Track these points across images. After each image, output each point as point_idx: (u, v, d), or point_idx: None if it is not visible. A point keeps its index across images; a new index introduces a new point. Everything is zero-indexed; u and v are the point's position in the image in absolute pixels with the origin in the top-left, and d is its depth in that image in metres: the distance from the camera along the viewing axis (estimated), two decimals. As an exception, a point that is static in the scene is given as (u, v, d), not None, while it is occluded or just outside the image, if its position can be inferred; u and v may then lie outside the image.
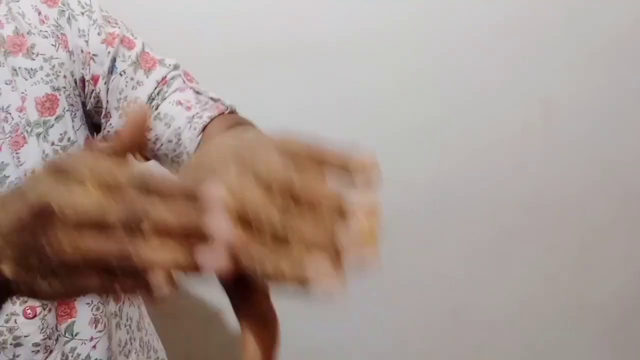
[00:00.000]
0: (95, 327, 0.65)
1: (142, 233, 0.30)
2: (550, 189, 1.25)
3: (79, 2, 0.65)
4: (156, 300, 0.30)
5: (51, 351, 0.62)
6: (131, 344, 0.73)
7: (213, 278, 0.31)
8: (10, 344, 0.60)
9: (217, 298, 1.24)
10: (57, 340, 0.63)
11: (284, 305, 1.20)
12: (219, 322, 1.25)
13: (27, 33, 0.61)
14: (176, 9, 1.09)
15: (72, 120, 0.64)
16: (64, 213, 0.30)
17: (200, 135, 0.61)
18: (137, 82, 0.65)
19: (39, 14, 0.63)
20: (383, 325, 1.29)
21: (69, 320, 0.64)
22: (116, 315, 0.70)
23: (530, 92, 1.20)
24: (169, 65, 0.67)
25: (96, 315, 0.65)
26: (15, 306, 0.60)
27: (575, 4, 1.17)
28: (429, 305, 1.29)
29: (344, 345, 1.29)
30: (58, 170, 0.32)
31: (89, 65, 0.64)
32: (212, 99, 0.66)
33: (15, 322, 0.60)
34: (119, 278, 0.30)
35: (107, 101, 0.65)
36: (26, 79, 0.60)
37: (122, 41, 0.65)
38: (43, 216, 0.30)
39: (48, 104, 0.61)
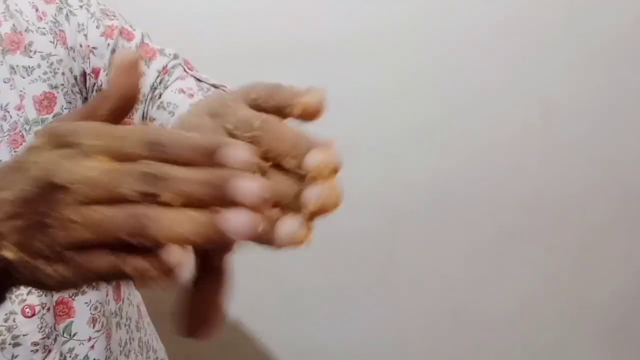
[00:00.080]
0: (94, 326, 0.65)
1: (158, 203, 0.27)
2: (550, 189, 1.25)
3: None
4: (167, 280, 0.28)
5: (50, 351, 0.62)
6: (130, 344, 0.73)
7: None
8: (9, 344, 0.60)
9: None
10: (55, 339, 0.63)
11: (284, 305, 1.20)
12: (219, 322, 1.25)
13: (25, 30, 0.61)
14: (176, 9, 1.09)
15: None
16: (72, 188, 0.27)
17: None
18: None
19: (37, 10, 0.63)
20: (383, 325, 1.29)
21: (67, 320, 0.63)
22: (116, 314, 0.70)
23: (530, 92, 1.20)
24: (169, 54, 0.68)
25: (94, 314, 0.65)
26: (14, 305, 0.60)
27: (575, 4, 1.17)
28: (429, 305, 1.29)
29: (344, 345, 1.29)
30: (58, 140, 0.29)
31: (89, 58, 0.64)
32: (214, 85, 0.66)
33: (14, 321, 0.60)
34: (131, 258, 0.28)
35: None
36: (24, 77, 0.60)
37: (121, 33, 0.66)
38: (49, 193, 0.28)
39: (46, 102, 0.61)
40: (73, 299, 0.64)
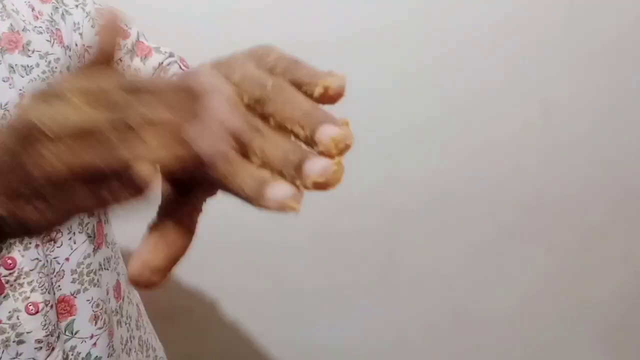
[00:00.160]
0: (96, 324, 0.65)
1: (132, 132, 0.28)
2: (550, 189, 1.25)
3: None
4: (142, 196, 0.29)
5: (53, 348, 0.62)
6: (131, 342, 0.73)
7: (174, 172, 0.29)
8: (14, 342, 0.60)
9: (217, 298, 1.24)
10: (58, 337, 0.63)
11: (284, 305, 1.20)
12: (219, 322, 1.25)
13: (22, 30, 0.61)
14: (176, 9, 1.09)
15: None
16: (48, 128, 0.28)
17: None
18: (134, 69, 0.65)
19: (33, 10, 0.63)
20: (383, 325, 1.29)
21: (69, 318, 0.64)
22: (117, 312, 0.70)
23: (530, 92, 1.20)
24: (165, 52, 0.68)
25: (96, 312, 0.66)
26: (17, 303, 0.60)
27: (575, 4, 1.17)
28: (429, 305, 1.29)
29: (344, 345, 1.29)
30: (42, 94, 0.30)
31: (84, 57, 0.65)
32: None
33: (18, 319, 0.60)
34: (107, 185, 0.29)
35: None
36: (23, 76, 0.60)
37: None
38: (27, 136, 0.29)
39: None
40: (75, 297, 0.64)
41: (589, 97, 1.21)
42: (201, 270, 1.21)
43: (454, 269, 1.27)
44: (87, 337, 0.65)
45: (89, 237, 0.66)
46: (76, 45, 0.64)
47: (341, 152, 0.30)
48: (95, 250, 0.66)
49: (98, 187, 0.29)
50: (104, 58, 0.32)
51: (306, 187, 0.29)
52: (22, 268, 0.59)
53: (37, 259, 0.60)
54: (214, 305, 1.24)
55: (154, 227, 0.31)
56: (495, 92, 1.19)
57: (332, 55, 1.15)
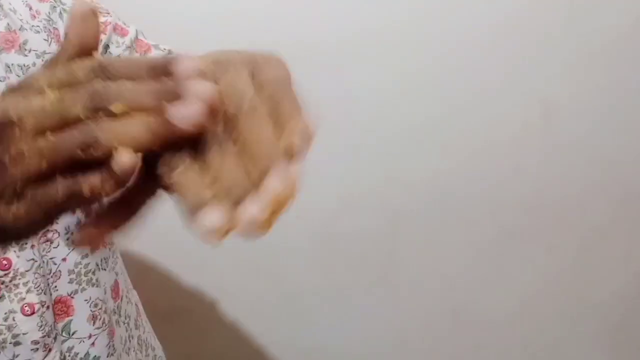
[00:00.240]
0: (94, 323, 0.65)
1: (110, 116, 0.28)
2: (550, 189, 1.25)
3: None
4: (120, 184, 0.28)
5: (50, 350, 0.62)
6: (130, 341, 0.73)
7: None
8: (10, 343, 0.60)
9: (217, 298, 1.24)
10: (55, 338, 0.63)
11: (284, 305, 1.20)
12: (219, 322, 1.25)
13: (19, 29, 0.61)
14: (176, 9, 1.09)
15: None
16: (24, 120, 0.28)
17: None
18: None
19: (30, 9, 0.63)
20: (383, 325, 1.29)
21: (66, 319, 0.63)
22: (115, 312, 0.70)
23: (530, 92, 1.20)
24: (164, 49, 0.68)
25: (94, 311, 0.65)
26: (13, 304, 0.60)
27: (575, 4, 1.17)
28: (429, 305, 1.29)
29: (344, 345, 1.29)
30: (17, 88, 0.30)
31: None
32: None
33: (14, 320, 0.60)
34: (84, 177, 0.28)
35: None
36: (19, 76, 0.60)
37: (114, 29, 0.66)
38: (3, 132, 0.28)
39: None
40: (72, 297, 0.64)
41: (589, 97, 1.21)
42: (201, 270, 1.21)
43: (454, 269, 1.27)
44: (85, 337, 0.65)
45: None
46: None
47: (277, 209, 0.29)
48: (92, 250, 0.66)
49: (80, 181, 0.28)
50: (82, 52, 0.31)
51: (234, 226, 0.29)
52: (18, 269, 0.59)
53: (32, 259, 0.60)
54: (214, 305, 1.24)
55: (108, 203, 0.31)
56: (495, 92, 1.19)
57: (332, 55, 1.15)
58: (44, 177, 0.28)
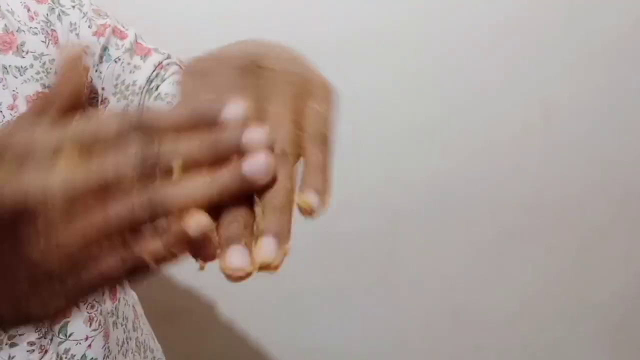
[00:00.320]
0: (90, 325, 0.65)
1: (159, 177, 0.24)
2: (550, 189, 1.25)
3: None
4: (192, 246, 0.25)
5: (46, 351, 0.62)
6: (127, 343, 0.73)
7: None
8: (6, 344, 0.60)
9: (217, 298, 1.24)
10: (51, 340, 0.63)
11: (284, 305, 1.20)
12: (219, 322, 1.25)
13: (17, 30, 0.61)
14: (176, 9, 1.09)
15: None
16: (46, 202, 0.23)
17: None
18: (134, 66, 0.65)
19: (28, 10, 0.63)
20: (383, 325, 1.29)
21: (63, 321, 0.63)
22: (112, 314, 0.70)
23: (530, 92, 1.20)
24: (163, 53, 0.68)
25: (91, 313, 0.65)
26: None
27: (575, 4, 1.17)
28: (429, 305, 1.29)
29: (344, 345, 1.29)
30: (12, 155, 0.24)
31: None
32: None
33: None
34: (139, 244, 0.24)
35: (103, 88, 0.65)
36: (16, 77, 0.60)
37: (113, 31, 0.66)
38: (21, 216, 0.23)
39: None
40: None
41: (589, 97, 1.21)
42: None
43: (454, 269, 1.27)
44: (81, 339, 0.65)
45: None
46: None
47: (262, 269, 0.28)
48: None
49: (138, 251, 0.24)
50: (73, 101, 0.27)
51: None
52: None
53: None
54: (214, 305, 1.24)
55: None
56: (495, 92, 1.19)
57: (332, 55, 1.15)
58: (90, 259, 0.24)
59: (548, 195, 1.25)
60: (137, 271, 0.25)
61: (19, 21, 0.62)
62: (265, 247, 0.27)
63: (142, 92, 0.64)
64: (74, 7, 0.65)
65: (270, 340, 1.28)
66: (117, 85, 0.65)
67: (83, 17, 0.65)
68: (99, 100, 0.66)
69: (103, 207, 0.23)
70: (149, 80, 0.65)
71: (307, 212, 0.29)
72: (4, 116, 0.59)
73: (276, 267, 0.27)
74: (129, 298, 0.76)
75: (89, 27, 0.65)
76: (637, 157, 1.26)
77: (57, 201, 0.23)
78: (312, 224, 1.20)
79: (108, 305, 0.69)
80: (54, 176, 0.23)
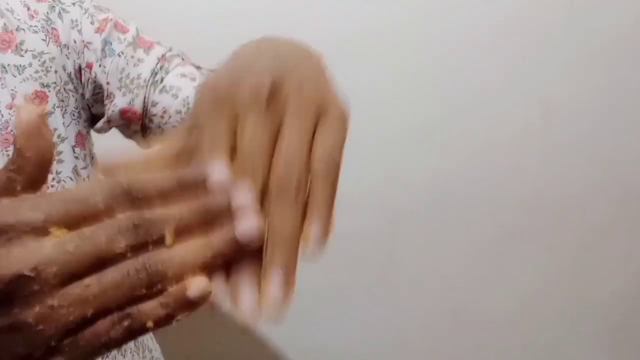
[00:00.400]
0: None
1: (152, 244, 0.25)
2: (550, 189, 1.25)
3: None
4: (192, 309, 0.26)
5: None
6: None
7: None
8: None
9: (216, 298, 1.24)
10: None
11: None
12: (219, 322, 1.25)
13: (16, 29, 0.61)
14: (176, 9, 1.09)
15: (62, 117, 0.63)
16: (39, 272, 0.23)
17: None
18: (138, 59, 0.65)
19: (28, 9, 0.63)
20: (383, 325, 1.29)
21: None
22: None
23: (530, 92, 1.20)
24: (166, 46, 0.68)
25: None
26: None
27: (575, 4, 1.17)
28: (429, 305, 1.29)
29: (344, 345, 1.29)
30: None
31: (83, 53, 0.64)
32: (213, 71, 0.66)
33: None
34: (141, 309, 0.25)
35: (108, 83, 0.65)
36: (15, 76, 0.60)
37: (115, 26, 0.66)
38: (15, 288, 0.23)
39: (37, 101, 0.61)
40: None
41: (589, 97, 1.21)
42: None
43: (454, 269, 1.27)
44: None
45: None
46: (75, 42, 0.64)
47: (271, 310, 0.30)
48: None
49: (137, 316, 0.25)
50: (41, 167, 0.26)
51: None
52: None
53: None
54: (214, 305, 1.24)
55: None
56: (495, 92, 1.19)
57: (332, 55, 1.15)
58: (86, 323, 0.24)
59: (548, 195, 1.25)
60: (136, 333, 0.25)
61: (18, 20, 0.62)
62: (274, 285, 0.28)
63: (147, 85, 0.64)
64: (74, 4, 0.65)
65: (270, 340, 1.28)
66: (121, 79, 0.64)
67: (84, 13, 0.65)
68: (105, 95, 0.66)
69: (100, 283, 0.24)
70: (154, 73, 0.65)
71: (310, 244, 0.30)
72: (2, 115, 0.59)
73: (283, 305, 0.30)
74: None
75: (91, 23, 0.65)
76: (637, 157, 1.26)
77: (50, 273, 0.23)
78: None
79: None
80: (46, 250, 0.23)
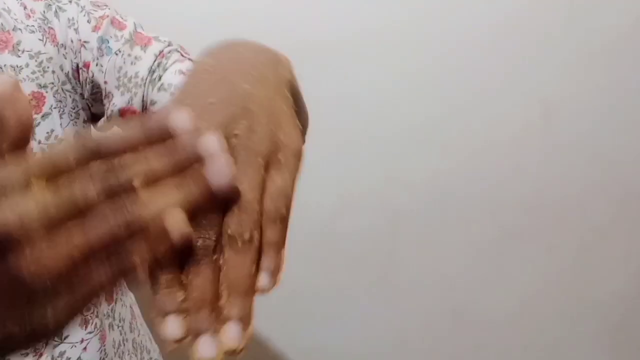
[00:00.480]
0: (86, 328, 0.65)
1: (130, 194, 0.26)
2: (550, 189, 1.25)
3: None
4: (175, 246, 0.27)
5: (41, 354, 0.62)
6: (124, 345, 0.72)
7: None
8: None
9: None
10: (46, 343, 0.62)
11: (284, 305, 1.20)
12: (219, 322, 1.26)
13: (13, 29, 0.61)
14: (176, 9, 1.09)
15: (60, 118, 0.63)
16: (22, 225, 0.24)
17: None
18: (135, 57, 0.64)
19: (25, 8, 0.62)
20: (383, 325, 1.29)
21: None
22: (109, 316, 0.69)
23: (530, 92, 1.20)
24: (164, 41, 0.67)
25: (86, 316, 0.65)
26: None
27: (575, 4, 1.17)
28: (429, 305, 1.29)
29: (344, 345, 1.29)
30: None
31: (80, 52, 0.64)
32: None
33: None
34: (128, 250, 0.26)
35: (105, 82, 0.64)
36: (11, 77, 0.59)
37: (112, 22, 0.65)
38: (3, 244, 0.25)
39: (34, 102, 0.61)
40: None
41: (589, 97, 1.21)
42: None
43: (454, 269, 1.27)
44: (77, 342, 0.64)
45: None
46: (72, 41, 0.63)
47: (228, 354, 0.30)
48: None
49: (126, 258, 0.26)
50: (22, 131, 0.28)
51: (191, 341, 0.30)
52: None
53: None
54: (214, 305, 1.24)
55: None
56: (495, 92, 1.19)
57: (332, 55, 1.15)
58: (77, 269, 0.26)
59: (548, 195, 1.25)
60: (126, 272, 0.27)
61: (15, 19, 0.61)
62: (231, 334, 0.29)
63: (144, 84, 0.64)
64: (70, 1, 0.64)
65: (270, 340, 1.28)
66: (119, 78, 0.64)
67: (81, 11, 0.64)
68: (103, 94, 0.65)
69: (82, 229, 0.26)
70: (151, 71, 0.64)
71: (257, 290, 0.31)
72: None
73: (240, 351, 0.30)
74: (126, 299, 0.76)
75: (87, 21, 0.64)
76: (637, 157, 1.26)
77: (35, 226, 0.25)
78: (312, 224, 1.20)
79: (104, 306, 0.69)
80: (28, 204, 0.25)
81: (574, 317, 1.32)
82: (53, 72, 0.62)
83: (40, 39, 0.62)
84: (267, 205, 0.31)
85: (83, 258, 0.26)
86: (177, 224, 0.26)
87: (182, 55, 0.67)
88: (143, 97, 0.64)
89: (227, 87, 0.36)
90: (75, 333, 0.64)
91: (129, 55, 0.64)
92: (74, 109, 0.65)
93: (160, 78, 0.63)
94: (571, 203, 1.26)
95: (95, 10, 0.65)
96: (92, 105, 0.67)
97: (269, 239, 0.32)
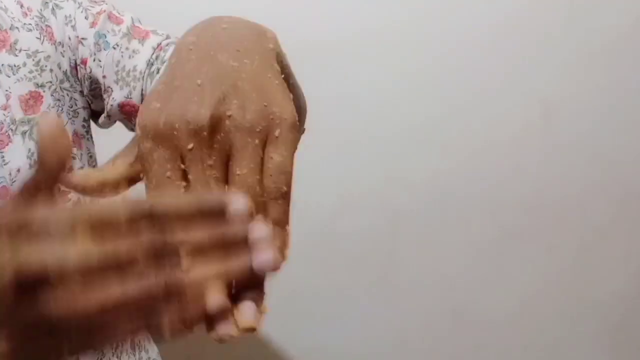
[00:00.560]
0: None
1: (173, 258, 0.27)
2: (550, 189, 1.25)
3: None
4: (208, 319, 0.28)
5: None
6: (122, 345, 0.72)
7: None
8: None
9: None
10: None
11: (284, 305, 1.20)
12: (219, 322, 1.25)
13: (10, 28, 0.60)
14: (176, 9, 1.09)
15: (58, 117, 0.62)
16: (61, 272, 0.25)
17: None
18: (133, 51, 0.63)
19: (22, 6, 0.62)
20: (383, 325, 1.29)
21: None
22: None
23: (530, 92, 1.20)
24: (162, 34, 0.66)
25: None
26: None
27: (575, 4, 1.17)
28: (429, 305, 1.29)
29: (344, 345, 1.29)
30: (23, 230, 0.26)
31: (77, 50, 0.63)
32: None
33: None
34: (160, 311, 0.27)
35: (104, 76, 0.63)
36: (9, 76, 0.59)
37: (109, 17, 0.64)
38: (39, 282, 0.25)
39: (32, 102, 0.60)
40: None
41: (589, 97, 1.21)
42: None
43: (454, 269, 1.27)
44: None
45: None
46: (69, 39, 0.63)
47: (246, 332, 0.33)
48: None
49: (155, 320, 0.27)
50: (48, 178, 0.29)
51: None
52: None
53: None
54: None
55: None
56: (495, 92, 1.19)
57: (332, 55, 1.15)
58: (106, 316, 0.26)
59: (548, 195, 1.25)
60: (151, 334, 0.28)
61: (12, 18, 0.60)
62: (247, 312, 0.31)
63: (143, 77, 0.63)
64: None
65: (270, 340, 1.28)
66: (118, 72, 0.63)
67: (78, 7, 0.64)
68: (102, 89, 0.64)
69: (120, 281, 0.26)
70: (149, 64, 0.63)
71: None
72: None
73: (256, 329, 0.32)
74: None
75: (85, 18, 0.63)
76: (637, 157, 1.26)
77: (71, 271, 0.25)
78: (312, 224, 1.20)
79: None
80: (70, 250, 0.26)
81: (574, 317, 1.32)
82: (51, 70, 0.62)
83: (37, 38, 0.61)
84: (268, 184, 0.32)
85: (114, 308, 0.26)
86: (216, 296, 0.28)
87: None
88: (142, 90, 0.63)
89: (213, 66, 0.36)
90: None
91: (127, 48, 0.63)
92: (72, 107, 0.64)
93: (158, 71, 0.63)
94: (571, 203, 1.26)
95: (93, 7, 0.64)
96: (92, 102, 0.66)
97: (273, 217, 0.32)
